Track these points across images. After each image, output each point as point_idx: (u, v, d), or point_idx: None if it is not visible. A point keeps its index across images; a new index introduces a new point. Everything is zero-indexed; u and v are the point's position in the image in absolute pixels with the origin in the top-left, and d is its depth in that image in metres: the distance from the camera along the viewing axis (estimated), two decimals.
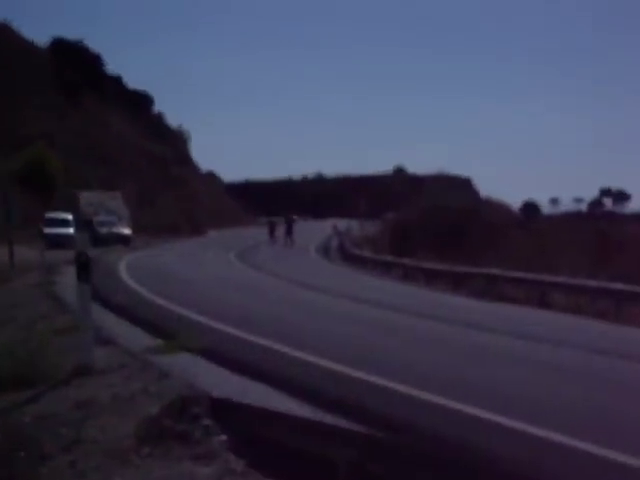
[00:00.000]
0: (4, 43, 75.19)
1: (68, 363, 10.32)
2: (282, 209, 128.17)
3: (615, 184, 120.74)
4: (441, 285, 28.63)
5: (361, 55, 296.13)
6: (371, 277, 32.52)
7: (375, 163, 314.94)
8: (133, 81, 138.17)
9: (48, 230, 42.21)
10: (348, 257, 45.44)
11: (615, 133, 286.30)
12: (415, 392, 8.63)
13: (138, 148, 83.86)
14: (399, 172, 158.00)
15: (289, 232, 53.24)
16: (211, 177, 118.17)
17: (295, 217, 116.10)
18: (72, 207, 54.79)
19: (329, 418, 7.39)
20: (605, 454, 6.25)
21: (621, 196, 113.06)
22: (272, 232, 55.02)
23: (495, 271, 25.69)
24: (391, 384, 9.04)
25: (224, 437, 6.92)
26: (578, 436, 6.70)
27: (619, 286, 19.98)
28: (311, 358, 10.65)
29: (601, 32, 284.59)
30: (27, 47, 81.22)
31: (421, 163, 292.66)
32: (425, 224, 48.40)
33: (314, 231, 69.11)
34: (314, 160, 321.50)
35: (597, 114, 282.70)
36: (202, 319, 14.65)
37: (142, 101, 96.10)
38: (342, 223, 71.05)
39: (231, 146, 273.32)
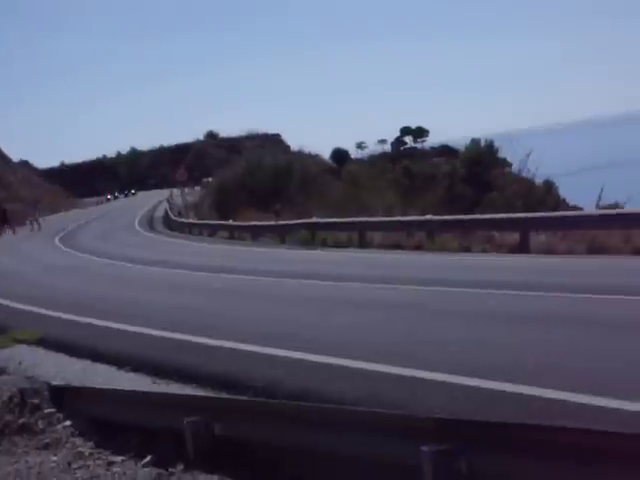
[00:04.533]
0: None
1: None
2: (106, 188, 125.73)
3: (414, 122, 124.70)
4: (267, 240, 29.26)
5: (158, 27, 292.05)
6: (198, 242, 32.67)
7: (186, 132, 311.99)
8: None
9: None
10: (173, 226, 45.32)
11: (410, 72, 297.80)
12: (239, 345, 9.02)
13: None
14: (212, 137, 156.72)
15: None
16: (25, 166, 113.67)
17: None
18: None
19: (173, 387, 7.62)
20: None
21: (420, 132, 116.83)
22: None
23: (315, 219, 26.42)
24: (214, 342, 9.42)
25: (68, 423, 6.94)
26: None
27: (429, 217, 21.15)
28: (146, 330, 10.74)
29: None
30: None
31: (231, 126, 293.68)
32: (244, 184, 48.92)
33: (135, 205, 67.84)
34: (127, 136, 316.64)
35: (394, 54, 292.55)
36: (34, 309, 14.35)
37: None
38: (164, 193, 70.31)
39: (41, 133, 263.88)
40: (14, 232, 51.40)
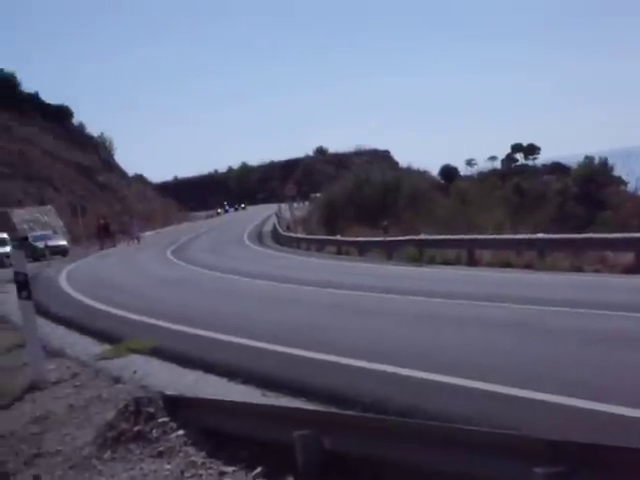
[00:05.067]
0: None
1: (20, 379, 10.46)
2: (217, 202, 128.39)
3: (525, 139, 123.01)
4: (374, 255, 29.25)
5: (269, 44, 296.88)
6: (306, 257, 32.90)
7: (296, 148, 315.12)
8: (50, 96, 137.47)
9: None
10: (282, 240, 45.78)
11: (521, 92, 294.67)
12: (347, 360, 9.03)
13: (63, 160, 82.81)
14: (321, 152, 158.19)
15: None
16: (140, 180, 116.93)
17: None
18: (6, 226, 54.34)
19: (283, 400, 7.69)
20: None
21: (532, 150, 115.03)
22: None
23: (423, 236, 26.29)
24: (322, 356, 9.47)
25: (181, 432, 7.04)
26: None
27: (540, 236, 20.77)
28: (257, 344, 10.83)
29: None
30: None
31: (340, 142, 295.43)
32: (352, 199, 49.14)
33: (243, 219, 68.85)
34: (238, 151, 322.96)
35: (502, 74, 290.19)
36: (147, 319, 14.76)
37: (62, 114, 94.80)
38: (273, 207, 71.11)
39: (156, 148, 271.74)
40: (114, 245, 53.31)
